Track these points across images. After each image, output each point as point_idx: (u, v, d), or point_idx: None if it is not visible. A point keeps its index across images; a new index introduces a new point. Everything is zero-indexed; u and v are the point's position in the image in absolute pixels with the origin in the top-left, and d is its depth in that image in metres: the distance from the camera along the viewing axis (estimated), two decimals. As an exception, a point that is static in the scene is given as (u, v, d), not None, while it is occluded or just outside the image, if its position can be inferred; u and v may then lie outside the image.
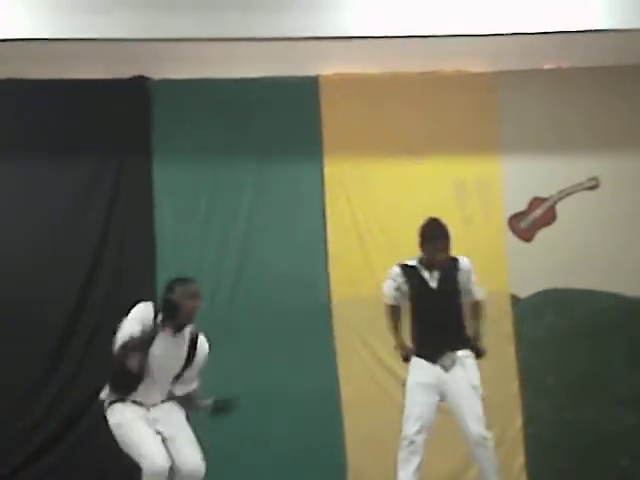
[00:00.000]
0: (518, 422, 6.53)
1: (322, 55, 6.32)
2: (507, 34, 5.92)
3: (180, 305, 4.82)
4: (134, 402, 4.85)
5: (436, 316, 5.37)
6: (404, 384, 6.48)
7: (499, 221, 6.69)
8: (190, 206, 6.54)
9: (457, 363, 5.34)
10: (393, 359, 6.48)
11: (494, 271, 6.59)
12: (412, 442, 5.37)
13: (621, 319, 6.64)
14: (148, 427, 4.79)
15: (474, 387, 5.35)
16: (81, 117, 6.40)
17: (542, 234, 6.73)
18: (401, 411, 6.43)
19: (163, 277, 6.38)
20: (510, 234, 6.70)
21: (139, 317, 4.80)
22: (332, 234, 6.58)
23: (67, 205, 6.43)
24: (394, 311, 5.54)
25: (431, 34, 5.89)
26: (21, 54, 5.95)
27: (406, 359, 5.52)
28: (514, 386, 6.54)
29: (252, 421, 6.19)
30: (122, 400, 4.84)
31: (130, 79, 6.46)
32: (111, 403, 4.87)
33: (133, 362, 4.71)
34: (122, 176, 6.49)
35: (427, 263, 5.42)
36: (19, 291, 6.28)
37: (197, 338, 5.00)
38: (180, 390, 5.00)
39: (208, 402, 5.06)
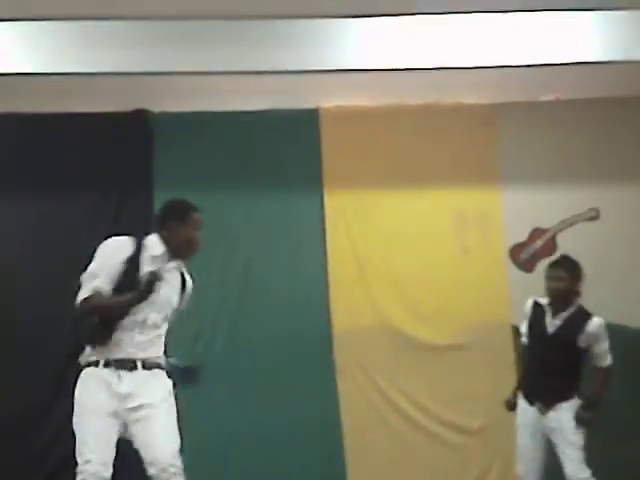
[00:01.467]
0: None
1: (322, 88, 6.36)
2: (506, 66, 5.93)
3: (192, 238, 4.47)
4: (107, 365, 4.28)
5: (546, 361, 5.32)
6: (405, 415, 6.51)
7: (500, 252, 6.69)
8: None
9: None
10: (394, 390, 6.49)
11: (495, 302, 6.62)
12: None
13: (620, 350, 6.59)
14: (104, 424, 4.22)
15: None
16: (81, 150, 6.44)
17: (543, 265, 6.70)
18: (404, 443, 6.44)
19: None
20: (511, 265, 6.70)
21: (112, 259, 4.32)
22: (332, 265, 6.58)
23: (67, 238, 6.42)
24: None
25: (431, 66, 5.91)
26: (20, 88, 5.98)
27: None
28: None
29: (252, 452, 6.17)
30: (95, 364, 4.28)
31: (130, 112, 6.50)
32: (83, 367, 4.34)
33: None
34: (122, 209, 6.51)
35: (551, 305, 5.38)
36: (20, 324, 6.28)
37: (183, 272, 4.63)
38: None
39: (172, 361, 4.57)
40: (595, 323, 5.31)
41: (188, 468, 6.22)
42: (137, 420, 4.30)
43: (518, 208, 6.69)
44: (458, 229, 6.67)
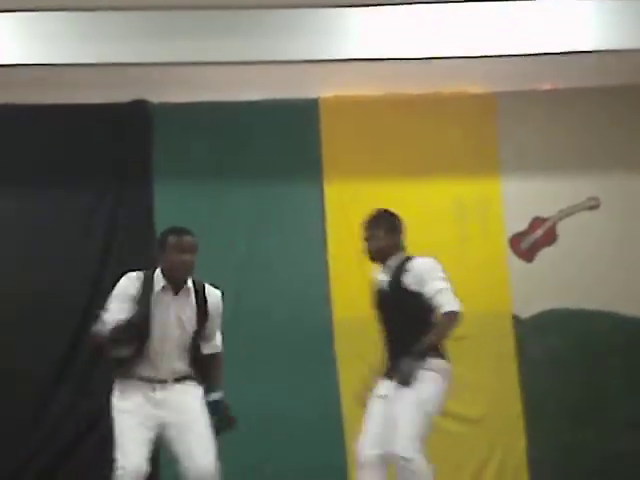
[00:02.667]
0: (521, 444, 6.50)
1: (322, 77, 6.35)
2: (506, 55, 5.94)
3: (173, 261, 4.53)
4: (141, 379, 4.51)
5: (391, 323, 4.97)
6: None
7: (500, 242, 6.69)
8: (191, 229, 6.52)
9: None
10: (395, 380, 6.49)
11: (496, 292, 6.62)
12: None
13: (623, 340, 6.63)
14: (140, 427, 4.45)
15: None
16: (81, 141, 6.43)
17: (543, 254, 6.73)
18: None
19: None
20: (511, 254, 6.70)
21: (122, 294, 4.50)
22: (333, 255, 6.58)
23: (66, 230, 6.42)
24: None
25: (430, 56, 5.91)
26: (20, 80, 5.97)
27: None
28: (517, 407, 6.52)
29: (252, 443, 6.17)
30: (126, 377, 4.52)
31: (130, 103, 6.48)
32: (116, 379, 4.58)
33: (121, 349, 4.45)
34: (122, 200, 6.50)
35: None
36: (18, 322, 6.26)
37: (204, 289, 4.70)
38: (206, 349, 4.77)
39: (213, 397, 4.76)
40: (419, 262, 4.87)
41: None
42: (174, 426, 4.53)
43: (518, 197, 6.68)
44: (458, 219, 6.67)
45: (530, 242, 6.74)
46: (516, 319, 6.62)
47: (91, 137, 6.42)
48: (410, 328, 4.82)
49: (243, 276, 6.53)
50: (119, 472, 4.40)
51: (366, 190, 6.64)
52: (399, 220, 5.08)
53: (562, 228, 6.75)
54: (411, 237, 6.58)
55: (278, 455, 6.30)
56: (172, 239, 4.60)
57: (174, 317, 4.57)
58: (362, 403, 5.08)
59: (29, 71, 5.80)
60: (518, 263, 6.70)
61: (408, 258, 4.96)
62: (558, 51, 5.89)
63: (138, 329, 4.46)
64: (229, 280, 6.52)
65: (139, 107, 6.51)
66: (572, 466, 6.46)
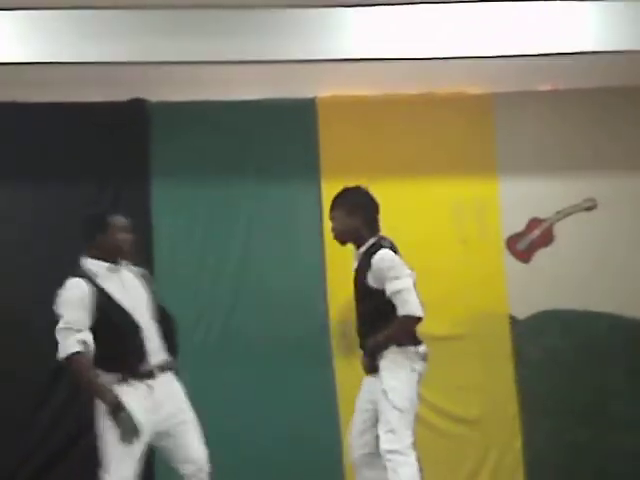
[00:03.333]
0: (517, 444, 6.50)
1: (319, 77, 6.34)
2: (503, 56, 5.93)
3: (122, 240, 4.63)
4: (141, 379, 4.53)
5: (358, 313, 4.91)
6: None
7: (497, 242, 6.69)
8: (188, 229, 6.54)
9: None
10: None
11: (492, 292, 6.61)
12: None
13: (620, 340, 6.63)
14: (134, 449, 4.48)
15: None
16: (78, 140, 6.39)
17: (540, 255, 6.73)
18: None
19: (162, 299, 6.40)
20: (508, 255, 6.70)
21: (78, 302, 4.51)
22: (330, 256, 6.55)
23: (64, 228, 6.39)
24: None
25: (428, 56, 5.90)
26: (15, 78, 5.95)
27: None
28: (513, 408, 6.52)
29: (249, 445, 6.18)
30: (125, 380, 4.51)
31: (128, 102, 6.47)
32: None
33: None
34: (120, 198, 6.46)
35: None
36: (17, 323, 6.22)
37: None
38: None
39: None
40: (379, 256, 4.70)
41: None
42: (172, 423, 4.60)
43: (515, 198, 6.67)
44: (455, 219, 6.67)
45: (527, 243, 6.74)
46: (513, 320, 6.62)
47: (89, 136, 6.40)
48: (373, 322, 4.78)
49: (240, 275, 6.52)
50: None
51: (363, 190, 6.65)
52: (366, 199, 4.94)
53: (559, 229, 6.75)
54: (408, 238, 6.60)
55: (274, 459, 6.29)
56: (114, 219, 4.68)
57: (134, 293, 4.63)
58: None
59: (27, 69, 5.78)
60: (515, 264, 6.69)
61: (373, 249, 4.80)
62: (556, 52, 5.88)
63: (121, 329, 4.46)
64: (227, 279, 6.54)
65: (137, 106, 6.49)
66: (569, 467, 6.47)
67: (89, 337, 4.45)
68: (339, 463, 6.32)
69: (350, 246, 6.32)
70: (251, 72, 6.09)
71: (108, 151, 6.43)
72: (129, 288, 4.67)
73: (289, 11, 5.81)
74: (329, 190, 6.60)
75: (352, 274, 5.02)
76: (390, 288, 4.65)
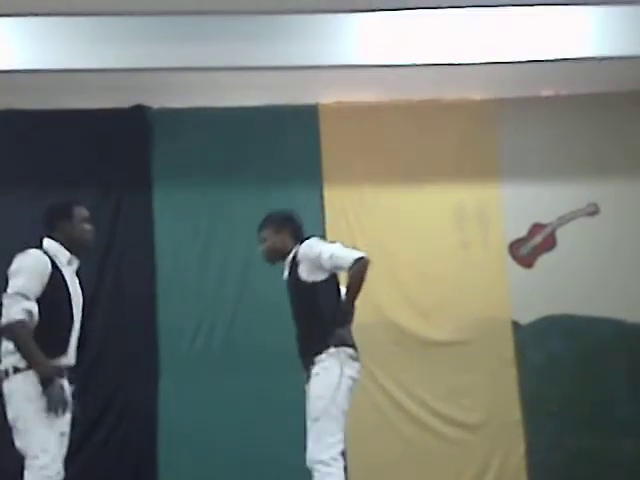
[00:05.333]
0: (521, 449, 6.49)
1: (322, 83, 6.36)
2: (506, 62, 5.94)
3: (85, 230, 4.61)
4: (57, 371, 4.39)
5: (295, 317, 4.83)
6: (404, 410, 6.51)
7: (500, 247, 6.69)
8: (190, 235, 6.54)
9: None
10: (394, 385, 6.49)
11: (495, 297, 6.61)
12: None
13: (622, 345, 6.63)
14: (54, 427, 4.36)
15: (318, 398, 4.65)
16: (80, 147, 6.40)
17: (542, 260, 6.73)
18: (403, 438, 6.45)
19: (164, 306, 6.42)
20: (511, 260, 6.70)
21: (34, 271, 4.40)
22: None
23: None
24: None
25: (431, 62, 5.91)
26: (18, 85, 5.97)
27: None
28: (516, 413, 6.51)
29: (250, 449, 6.17)
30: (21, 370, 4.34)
31: (129, 109, 6.49)
32: (17, 371, 4.37)
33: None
34: (122, 205, 6.49)
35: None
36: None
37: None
38: None
39: None
40: (301, 248, 4.73)
41: (184, 465, 6.27)
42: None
43: (518, 203, 6.68)
44: (458, 225, 6.67)
45: (529, 248, 6.74)
46: (516, 325, 6.62)
47: (90, 143, 6.41)
48: (310, 323, 4.72)
49: (242, 279, 6.52)
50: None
51: (366, 196, 6.66)
52: (289, 219, 4.97)
53: (561, 234, 6.75)
54: (411, 243, 6.64)
55: (276, 459, 6.28)
56: (79, 210, 4.67)
57: (78, 292, 4.60)
58: None
59: (29, 77, 5.80)
60: (518, 269, 6.70)
61: (296, 250, 4.80)
62: (559, 58, 5.89)
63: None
64: (229, 285, 6.54)
65: (138, 113, 6.51)
66: (571, 472, 6.45)
67: (35, 308, 4.37)
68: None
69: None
70: (253, 78, 6.10)
71: (110, 158, 6.44)
72: (76, 285, 4.63)
73: (291, 17, 5.81)
74: (331, 196, 6.63)
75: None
76: (324, 258, 4.65)
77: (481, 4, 5.77)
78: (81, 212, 4.68)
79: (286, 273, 4.88)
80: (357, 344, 6.12)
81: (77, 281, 4.64)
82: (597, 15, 5.87)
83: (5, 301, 4.42)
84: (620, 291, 6.60)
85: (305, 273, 4.73)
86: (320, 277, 4.72)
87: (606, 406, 6.53)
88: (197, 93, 6.34)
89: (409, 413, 6.47)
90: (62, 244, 4.58)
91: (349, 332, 4.79)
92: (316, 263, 4.69)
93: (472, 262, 6.64)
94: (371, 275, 6.54)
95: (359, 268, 4.65)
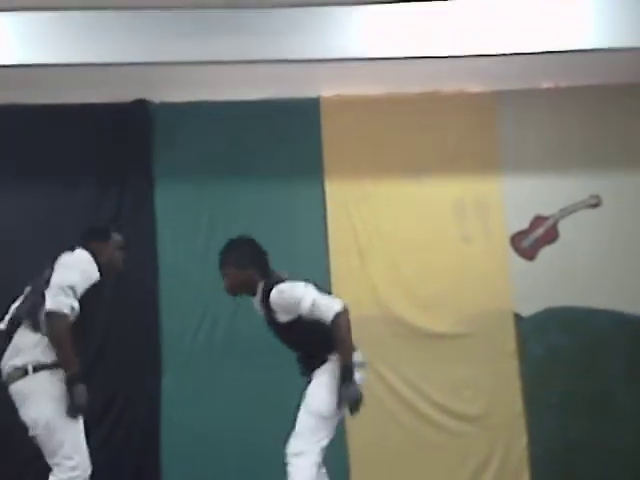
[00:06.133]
0: (523, 441, 6.50)
1: (322, 77, 6.35)
2: (506, 54, 5.93)
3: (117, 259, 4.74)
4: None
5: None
6: (406, 403, 6.52)
7: (501, 240, 6.69)
8: (192, 228, 6.55)
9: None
10: (396, 378, 6.50)
11: (497, 290, 6.61)
12: None
13: (623, 337, 6.63)
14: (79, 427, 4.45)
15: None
16: (81, 141, 6.41)
17: (544, 252, 6.73)
18: (405, 430, 6.47)
19: (166, 302, 6.43)
20: (513, 253, 6.70)
21: (87, 273, 4.51)
22: (334, 255, 6.57)
23: (67, 230, 6.39)
24: None
25: (430, 55, 5.91)
26: (18, 79, 5.96)
27: None
28: (518, 405, 6.52)
29: (252, 440, 6.18)
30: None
31: (130, 103, 6.49)
32: (41, 368, 4.45)
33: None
34: (123, 200, 6.48)
35: None
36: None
37: None
38: None
39: None
40: (272, 296, 4.69)
41: (187, 461, 6.28)
42: None
43: (519, 196, 6.68)
44: (459, 217, 6.68)
45: (531, 240, 6.74)
46: (517, 317, 6.62)
47: (92, 137, 6.42)
48: (308, 346, 4.77)
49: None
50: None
51: (367, 189, 6.66)
52: (251, 251, 4.94)
53: (563, 226, 6.74)
54: (412, 236, 6.65)
55: (278, 457, 6.29)
56: (116, 235, 4.78)
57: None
58: None
59: (29, 71, 5.79)
60: (519, 261, 6.69)
61: (268, 291, 4.76)
62: (558, 49, 5.88)
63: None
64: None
65: (140, 107, 6.50)
66: (574, 464, 6.46)
67: (77, 308, 4.45)
68: (344, 463, 6.34)
69: (353, 244, 6.36)
70: (254, 72, 6.10)
71: (111, 152, 6.44)
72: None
73: (292, 10, 5.81)
74: (332, 189, 6.63)
75: (265, 320, 4.93)
76: (304, 309, 4.65)
77: (481, -4, 5.80)
78: (118, 238, 4.78)
79: (262, 312, 4.87)
80: (359, 337, 6.13)
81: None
82: (597, 6, 5.87)
83: (56, 290, 4.42)
84: (622, 283, 6.59)
85: (284, 317, 4.73)
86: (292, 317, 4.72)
87: (607, 397, 6.53)
88: (198, 87, 6.34)
89: (411, 405, 6.48)
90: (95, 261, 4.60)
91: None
92: (293, 308, 4.68)
93: (473, 255, 6.64)
94: (373, 269, 6.63)
95: (342, 323, 4.63)
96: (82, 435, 4.43)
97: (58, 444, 4.39)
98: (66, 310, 4.39)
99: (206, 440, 6.24)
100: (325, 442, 4.70)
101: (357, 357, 4.79)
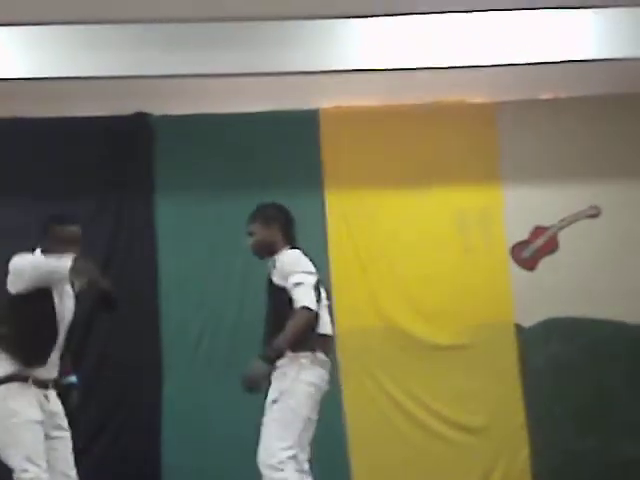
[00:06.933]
0: (525, 452, 6.49)
1: (322, 88, 6.36)
2: (506, 65, 5.95)
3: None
4: (36, 383, 4.40)
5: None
6: (408, 414, 6.51)
7: (501, 250, 6.69)
8: (192, 240, 6.54)
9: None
10: (397, 389, 6.50)
11: (498, 301, 6.62)
12: None
13: (625, 347, 6.63)
14: (42, 436, 4.33)
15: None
16: (81, 154, 6.41)
17: (545, 263, 6.73)
18: (407, 441, 6.45)
19: (167, 311, 6.42)
20: (513, 263, 6.70)
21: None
22: (334, 266, 6.56)
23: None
24: None
25: (431, 66, 5.93)
26: (20, 92, 5.98)
27: None
28: (520, 416, 6.51)
29: (253, 448, 6.16)
30: (21, 379, 4.36)
31: (131, 115, 6.49)
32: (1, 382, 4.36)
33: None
34: (124, 212, 6.49)
35: None
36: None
37: None
38: None
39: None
40: (283, 254, 4.67)
41: (188, 469, 6.26)
42: (56, 438, 4.48)
43: (519, 206, 6.69)
44: (459, 228, 6.68)
45: (531, 251, 6.74)
46: (518, 328, 6.62)
47: (92, 150, 6.42)
48: (276, 324, 4.59)
49: (245, 286, 6.51)
50: None
51: (367, 201, 6.66)
52: (279, 212, 4.90)
53: (563, 237, 6.75)
54: (413, 248, 6.65)
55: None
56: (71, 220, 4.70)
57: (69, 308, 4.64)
58: None
59: (30, 84, 5.81)
60: (520, 272, 6.70)
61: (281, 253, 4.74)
62: (558, 60, 5.90)
63: None
64: (231, 293, 6.54)
65: (140, 119, 6.52)
66: (576, 475, 6.45)
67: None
68: (347, 474, 6.34)
69: (353, 256, 6.34)
70: (254, 84, 6.10)
71: (111, 165, 6.45)
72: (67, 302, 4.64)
73: (291, 23, 5.83)
74: (332, 201, 6.64)
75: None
76: (290, 280, 4.56)
77: (480, 9, 5.81)
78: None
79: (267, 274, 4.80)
80: (361, 349, 6.09)
81: (71, 299, 4.63)
82: (596, 17, 5.89)
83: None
84: (623, 293, 6.59)
85: (277, 277, 4.67)
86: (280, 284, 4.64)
87: (609, 408, 6.52)
88: (198, 99, 6.35)
89: (413, 417, 6.47)
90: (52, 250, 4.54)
91: (322, 337, 4.69)
92: (285, 275, 4.61)
93: (474, 266, 6.64)
94: (374, 280, 6.63)
95: (303, 317, 4.49)
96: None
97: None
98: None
99: (207, 448, 6.24)
100: (294, 451, 4.50)
101: (320, 357, 4.64)
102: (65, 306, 4.59)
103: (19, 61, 5.71)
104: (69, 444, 4.54)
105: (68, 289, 4.65)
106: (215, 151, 6.54)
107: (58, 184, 6.37)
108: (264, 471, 4.43)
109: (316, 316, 4.58)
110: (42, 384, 4.45)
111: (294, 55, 5.84)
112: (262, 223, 4.80)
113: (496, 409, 6.51)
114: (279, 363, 4.51)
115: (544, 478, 6.48)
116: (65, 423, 4.56)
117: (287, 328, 4.44)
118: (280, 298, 4.60)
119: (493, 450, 6.48)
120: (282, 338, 4.42)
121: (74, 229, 4.63)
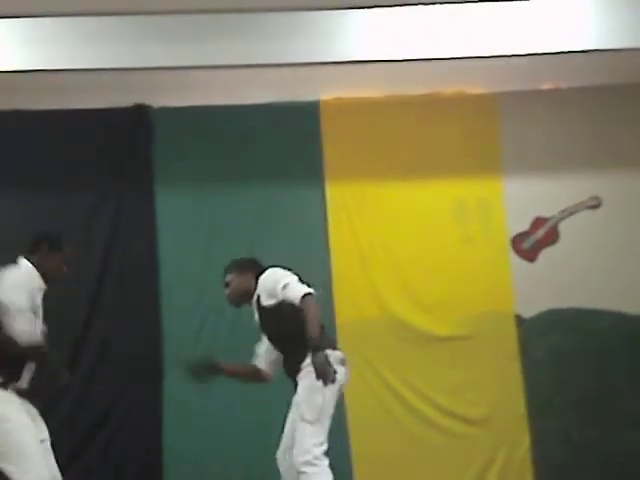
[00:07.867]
0: (526, 443, 6.50)
1: (323, 80, 6.35)
2: (506, 55, 5.94)
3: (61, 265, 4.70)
4: (19, 392, 4.48)
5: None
6: (409, 405, 6.52)
7: (502, 242, 6.69)
8: (193, 233, 6.54)
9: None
10: (398, 380, 6.50)
11: (498, 292, 6.63)
12: None
13: (625, 338, 6.63)
14: (35, 436, 4.40)
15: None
16: (81, 147, 6.40)
17: (545, 254, 6.73)
18: (408, 433, 6.47)
19: (167, 306, 6.42)
20: (513, 255, 6.70)
21: (25, 286, 4.50)
22: (335, 257, 6.58)
23: (67, 235, 6.38)
24: None
25: (431, 57, 5.92)
26: (19, 85, 5.97)
27: None
28: (521, 406, 6.52)
29: (256, 443, 6.18)
30: (2, 386, 4.44)
31: (131, 108, 6.48)
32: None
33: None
34: (124, 205, 6.48)
35: None
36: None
37: None
38: None
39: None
40: (260, 278, 4.91)
41: (189, 465, 6.27)
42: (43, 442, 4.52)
43: (519, 197, 6.69)
44: (460, 219, 6.68)
45: (532, 242, 6.74)
46: (519, 319, 6.62)
47: (92, 142, 6.41)
48: (295, 338, 4.77)
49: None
50: None
51: (368, 192, 6.66)
52: (253, 263, 5.10)
53: (564, 228, 6.75)
54: (413, 238, 6.65)
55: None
56: (69, 248, 4.76)
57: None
58: None
59: (30, 77, 5.80)
60: (520, 263, 6.70)
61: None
62: (558, 51, 5.89)
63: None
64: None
65: (140, 112, 6.50)
66: (577, 465, 6.46)
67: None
68: (347, 463, 6.34)
69: (355, 247, 6.34)
70: (254, 76, 6.10)
71: (111, 157, 6.44)
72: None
73: (291, 14, 5.82)
74: (333, 192, 6.63)
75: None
76: (277, 288, 4.80)
77: (481, -1, 5.81)
78: (69, 250, 4.76)
79: (256, 316, 4.98)
80: (361, 340, 6.12)
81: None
82: (596, 8, 5.89)
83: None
84: (623, 284, 6.60)
85: (267, 300, 4.87)
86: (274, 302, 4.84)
87: (610, 398, 6.53)
88: (198, 91, 6.34)
89: (413, 408, 6.48)
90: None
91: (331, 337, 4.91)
92: (273, 289, 4.82)
93: (475, 256, 6.65)
94: (374, 271, 6.63)
95: (309, 302, 4.70)
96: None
97: None
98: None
99: (208, 447, 6.24)
100: (326, 445, 4.72)
101: (338, 355, 4.81)
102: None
103: (19, 53, 5.70)
104: (50, 449, 4.59)
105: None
106: (215, 143, 6.53)
107: (58, 176, 6.38)
108: (301, 468, 4.64)
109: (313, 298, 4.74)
110: (22, 394, 4.51)
111: (294, 47, 5.83)
112: (237, 273, 5.05)
113: (496, 400, 6.52)
114: (304, 363, 4.71)
115: (544, 469, 6.49)
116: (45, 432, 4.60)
117: (306, 319, 4.63)
118: (281, 315, 4.81)
119: (494, 441, 6.49)
120: (310, 328, 4.59)
121: (60, 257, 4.72)
